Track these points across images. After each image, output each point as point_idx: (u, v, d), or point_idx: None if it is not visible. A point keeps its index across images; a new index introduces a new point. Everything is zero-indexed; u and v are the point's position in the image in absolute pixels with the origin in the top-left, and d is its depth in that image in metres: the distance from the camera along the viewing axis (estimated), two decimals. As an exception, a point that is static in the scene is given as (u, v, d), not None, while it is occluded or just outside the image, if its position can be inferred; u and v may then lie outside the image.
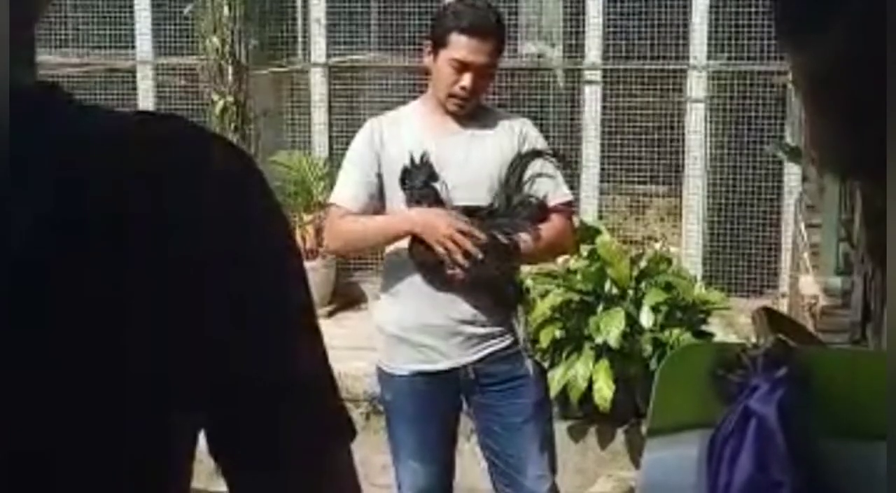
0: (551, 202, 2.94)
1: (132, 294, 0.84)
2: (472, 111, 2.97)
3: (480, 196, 2.89)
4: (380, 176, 2.91)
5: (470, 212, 2.86)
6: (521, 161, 2.90)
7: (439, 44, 2.87)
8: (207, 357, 0.87)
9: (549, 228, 2.94)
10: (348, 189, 2.94)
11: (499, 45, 2.90)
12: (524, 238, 2.88)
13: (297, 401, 0.91)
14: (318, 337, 0.93)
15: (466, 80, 2.85)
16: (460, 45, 2.84)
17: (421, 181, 2.82)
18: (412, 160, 2.81)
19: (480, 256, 2.78)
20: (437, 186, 2.83)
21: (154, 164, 0.86)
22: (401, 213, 2.87)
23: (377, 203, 2.93)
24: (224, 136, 0.98)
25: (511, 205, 2.90)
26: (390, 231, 2.90)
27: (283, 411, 0.90)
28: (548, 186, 2.93)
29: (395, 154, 2.88)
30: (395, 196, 2.90)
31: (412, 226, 2.83)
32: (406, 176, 2.82)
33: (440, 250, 2.79)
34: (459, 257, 2.78)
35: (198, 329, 0.86)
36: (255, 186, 0.91)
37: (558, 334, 4.39)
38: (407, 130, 2.91)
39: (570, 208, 3.09)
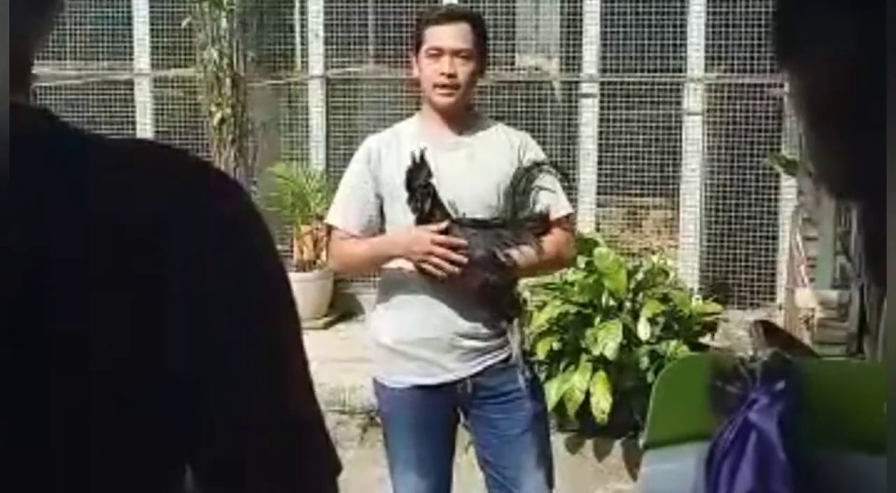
0: (553, 216, 2.95)
1: (115, 314, 0.84)
2: (469, 122, 2.98)
3: (481, 209, 2.89)
4: (378, 195, 2.93)
5: (474, 224, 2.86)
6: (522, 175, 2.91)
7: (419, 47, 2.95)
8: (187, 386, 0.87)
9: (551, 241, 2.95)
10: (345, 211, 2.97)
11: (473, 31, 2.92)
12: (526, 251, 2.88)
13: (279, 436, 0.90)
14: (304, 370, 0.93)
15: (445, 64, 2.88)
16: (432, 35, 2.91)
17: (422, 180, 2.82)
18: (413, 160, 2.82)
19: (465, 260, 2.79)
20: (434, 181, 2.84)
21: (140, 188, 0.87)
22: (384, 239, 2.92)
23: (377, 223, 2.95)
24: (212, 165, 0.98)
25: (515, 218, 2.90)
26: (378, 258, 2.97)
27: (263, 445, 0.89)
28: (549, 199, 2.93)
29: (393, 170, 2.89)
30: (397, 212, 2.90)
31: (394, 249, 2.88)
32: (410, 177, 2.82)
33: (427, 267, 2.81)
34: (447, 267, 2.80)
35: (182, 356, 0.86)
36: (240, 203, 0.92)
37: (556, 345, 4.39)
38: (407, 146, 2.91)
39: (570, 222, 3.10)
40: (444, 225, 2.81)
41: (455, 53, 2.88)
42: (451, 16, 2.95)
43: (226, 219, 0.90)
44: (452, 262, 2.79)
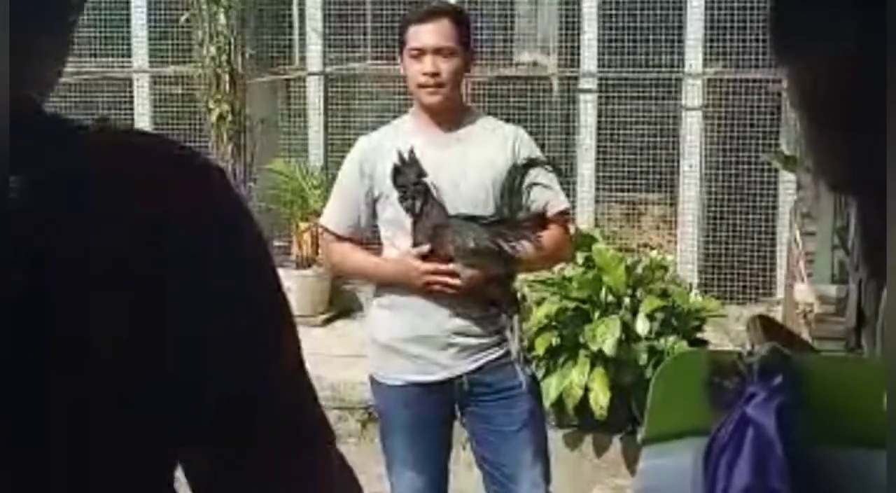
0: (550, 212, 2.95)
1: (113, 302, 0.84)
2: (460, 118, 2.98)
3: (476, 205, 2.90)
4: (372, 198, 2.94)
5: (472, 220, 2.87)
6: (518, 171, 2.91)
7: (402, 46, 2.95)
8: (179, 368, 0.87)
9: (549, 236, 2.95)
10: (335, 213, 3.02)
11: (455, 27, 2.91)
12: (526, 246, 2.88)
13: (268, 410, 0.91)
14: (292, 340, 0.94)
15: (427, 64, 2.88)
16: (413, 34, 2.91)
17: (413, 178, 2.83)
18: (401, 158, 2.83)
19: (460, 283, 2.84)
20: (427, 181, 2.84)
21: (120, 172, 0.87)
22: (381, 266, 2.97)
23: (367, 224, 2.99)
24: (186, 145, 0.98)
25: (512, 214, 2.90)
26: (372, 277, 3.08)
27: (255, 420, 0.90)
28: (546, 195, 2.93)
29: (388, 170, 2.89)
30: (393, 212, 2.90)
31: (390, 279, 2.94)
32: (397, 174, 2.84)
33: (426, 293, 2.87)
34: (447, 291, 2.85)
35: (171, 339, 0.86)
36: (223, 190, 0.92)
37: (554, 341, 4.39)
38: (402, 143, 2.91)
39: (567, 217, 3.10)
40: (425, 249, 2.84)
41: (436, 51, 2.88)
42: (431, 13, 2.92)
43: (213, 216, 0.90)
44: (452, 280, 2.85)
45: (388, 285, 2.98)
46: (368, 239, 3.13)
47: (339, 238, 3.00)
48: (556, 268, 4.38)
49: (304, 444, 0.93)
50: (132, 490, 0.88)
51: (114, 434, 0.85)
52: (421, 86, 2.90)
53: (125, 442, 0.86)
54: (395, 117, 3.19)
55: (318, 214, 6.05)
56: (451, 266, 2.83)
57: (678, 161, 5.89)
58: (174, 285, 0.85)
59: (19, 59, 0.85)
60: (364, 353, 3.16)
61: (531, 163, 2.92)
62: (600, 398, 4.26)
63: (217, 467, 0.91)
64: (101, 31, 6.65)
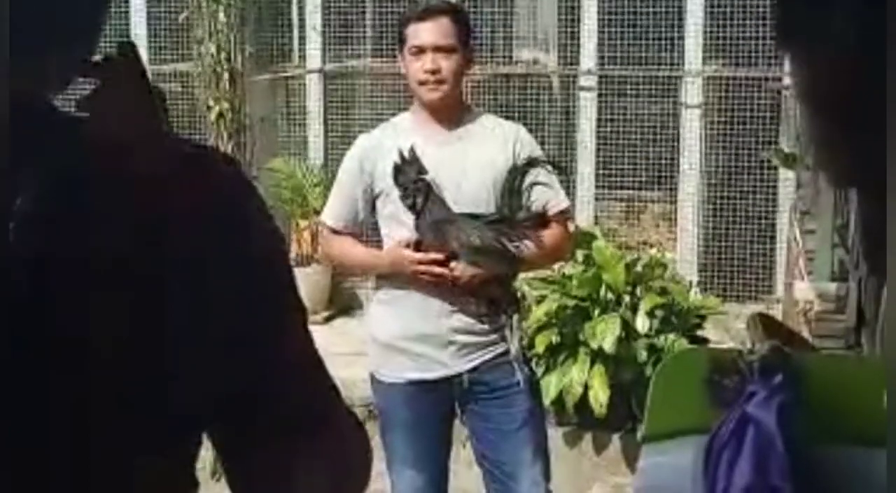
0: (550, 211, 2.95)
1: (132, 294, 0.84)
2: (461, 116, 2.98)
3: (477, 203, 2.90)
4: (371, 195, 2.95)
5: (474, 218, 2.87)
6: (518, 171, 2.91)
7: (402, 44, 2.95)
8: (198, 357, 0.87)
9: (550, 235, 2.95)
10: (335, 208, 3.04)
11: (454, 25, 2.92)
12: (528, 245, 2.89)
13: (270, 409, 0.91)
14: (300, 335, 0.94)
15: (427, 61, 2.88)
16: (413, 33, 2.91)
17: (413, 175, 2.83)
18: (402, 156, 2.83)
19: (447, 272, 2.83)
20: (428, 178, 2.84)
21: (144, 169, 0.87)
22: (373, 256, 3.01)
23: (365, 221, 3.01)
24: (203, 143, 0.99)
25: (513, 214, 2.90)
26: (369, 270, 3.18)
27: (256, 419, 0.91)
28: (546, 194, 2.93)
29: (388, 168, 2.89)
30: (393, 209, 2.90)
31: (384, 269, 2.98)
32: (398, 172, 2.85)
33: (420, 282, 2.87)
34: (437, 279, 2.85)
35: (192, 327, 0.86)
36: (239, 182, 0.92)
37: (554, 339, 4.39)
38: (403, 141, 2.91)
39: (567, 216, 3.11)
40: (411, 240, 2.85)
41: (436, 49, 2.88)
42: (429, 12, 2.92)
43: (224, 215, 0.90)
44: (440, 270, 2.84)
45: (385, 276, 2.98)
46: (368, 235, 3.14)
47: (338, 233, 3.02)
48: (556, 266, 4.38)
49: (307, 441, 0.93)
50: (133, 490, 0.88)
51: (115, 434, 0.85)
52: (421, 83, 2.90)
53: (126, 442, 0.86)
54: (393, 115, 3.19)
55: (317, 212, 6.05)
56: (452, 264, 2.83)
57: (678, 159, 5.89)
58: (175, 285, 0.85)
59: (40, 64, 0.85)
60: (364, 351, 3.16)
61: (531, 162, 2.92)
62: (600, 396, 4.26)
63: (222, 466, 0.91)
64: (100, 29, 6.64)
